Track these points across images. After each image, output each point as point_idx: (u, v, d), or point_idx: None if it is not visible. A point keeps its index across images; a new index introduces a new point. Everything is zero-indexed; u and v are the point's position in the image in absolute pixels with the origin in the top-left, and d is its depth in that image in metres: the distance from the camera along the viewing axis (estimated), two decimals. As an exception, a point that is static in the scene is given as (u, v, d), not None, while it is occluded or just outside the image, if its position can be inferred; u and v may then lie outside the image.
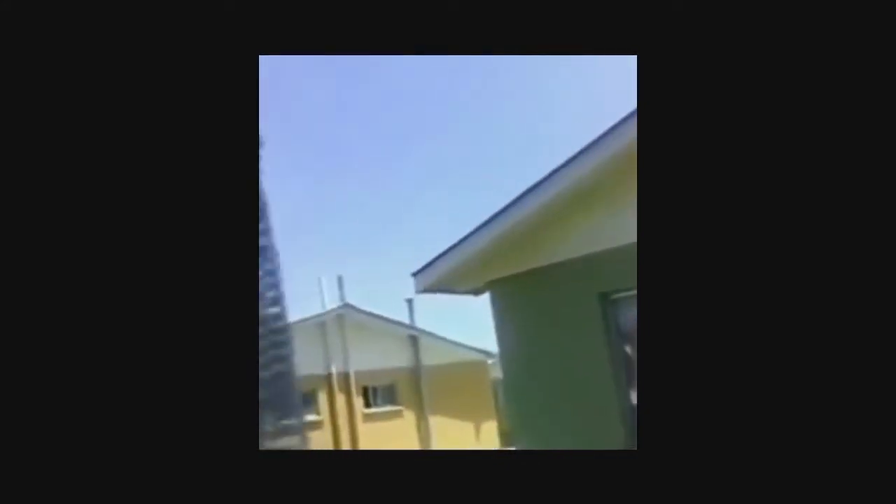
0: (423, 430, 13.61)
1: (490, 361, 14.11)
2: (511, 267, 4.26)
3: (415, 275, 4.48)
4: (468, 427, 14.42)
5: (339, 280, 12.50)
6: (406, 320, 13.53)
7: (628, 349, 3.85)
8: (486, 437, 14.61)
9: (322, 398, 12.49)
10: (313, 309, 12.03)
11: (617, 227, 3.60)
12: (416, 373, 13.59)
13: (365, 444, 12.60)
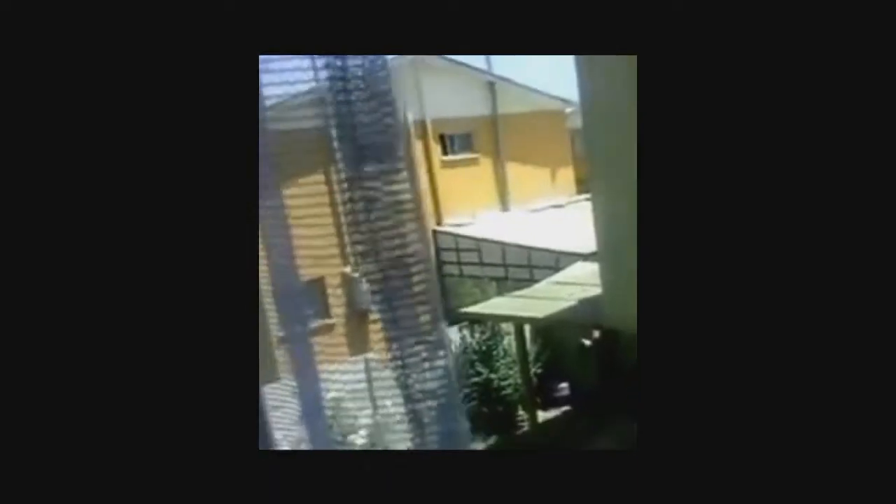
0: (499, 176, 13.73)
1: (568, 110, 14.15)
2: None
3: None
4: (544, 174, 14.58)
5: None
6: (483, 66, 13.47)
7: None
8: (561, 183, 14.77)
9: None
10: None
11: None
12: (493, 120, 13.64)
13: (443, 191, 12.88)
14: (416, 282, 1.62)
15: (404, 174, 1.64)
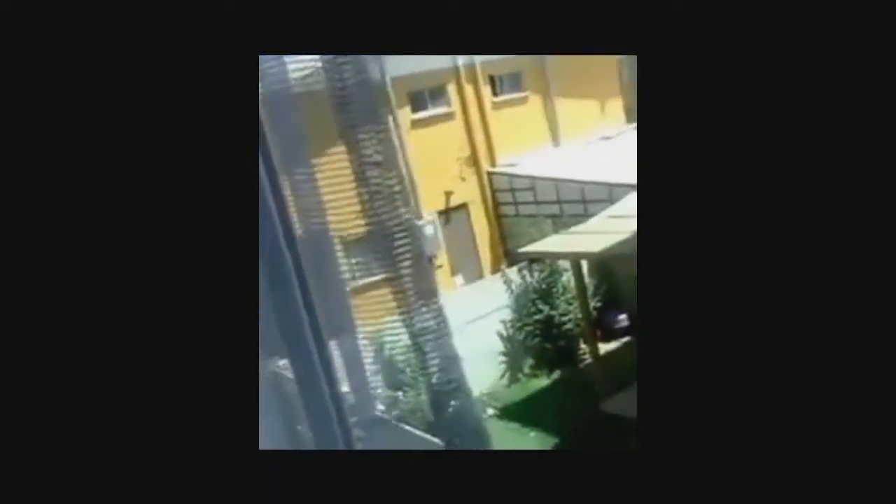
0: (549, 112, 13.82)
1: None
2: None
3: None
4: (594, 105, 14.74)
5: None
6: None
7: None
8: (611, 113, 14.92)
9: (451, 90, 13.63)
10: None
11: None
12: (540, 58, 13.70)
13: (496, 131, 13.55)
14: (398, 247, 1.69)
15: (386, 136, 1.68)
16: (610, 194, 10.77)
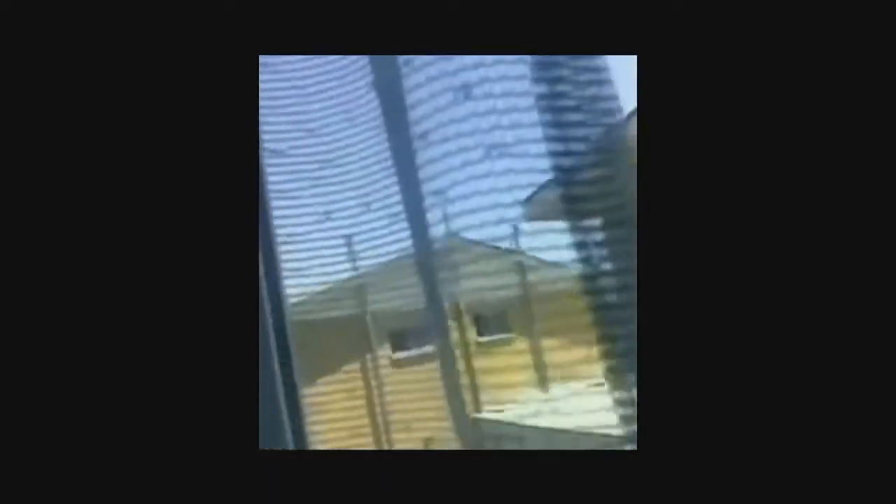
0: (535, 353, 13.88)
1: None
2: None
3: (524, 202, 4.31)
4: (583, 350, 14.83)
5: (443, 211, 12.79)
6: (510, 246, 13.68)
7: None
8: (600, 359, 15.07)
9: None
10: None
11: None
12: (525, 298, 13.77)
13: (481, 374, 13.07)
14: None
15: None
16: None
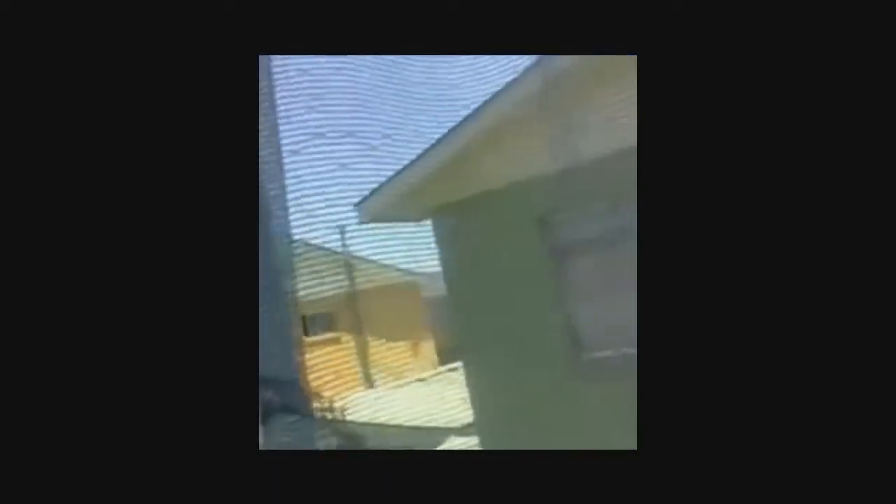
0: (361, 352, 13.92)
1: (424, 283, 14.33)
2: (453, 194, 4.70)
3: (358, 204, 4.45)
4: (406, 347, 14.90)
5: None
6: (338, 248, 13.76)
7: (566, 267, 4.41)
8: (424, 355, 15.13)
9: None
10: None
11: (549, 152, 3.83)
12: (352, 298, 13.74)
13: (310, 373, 13.00)
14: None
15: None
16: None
